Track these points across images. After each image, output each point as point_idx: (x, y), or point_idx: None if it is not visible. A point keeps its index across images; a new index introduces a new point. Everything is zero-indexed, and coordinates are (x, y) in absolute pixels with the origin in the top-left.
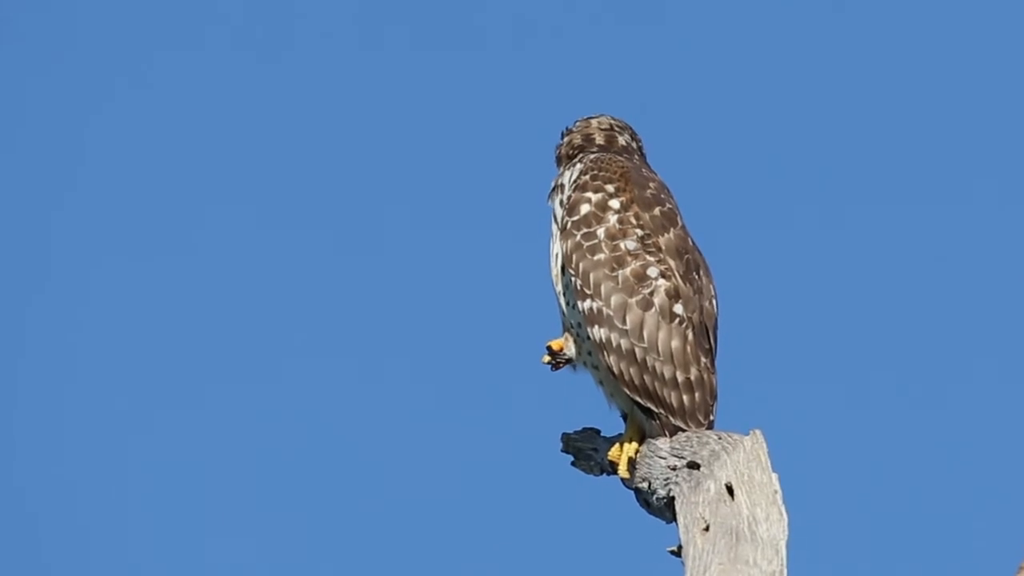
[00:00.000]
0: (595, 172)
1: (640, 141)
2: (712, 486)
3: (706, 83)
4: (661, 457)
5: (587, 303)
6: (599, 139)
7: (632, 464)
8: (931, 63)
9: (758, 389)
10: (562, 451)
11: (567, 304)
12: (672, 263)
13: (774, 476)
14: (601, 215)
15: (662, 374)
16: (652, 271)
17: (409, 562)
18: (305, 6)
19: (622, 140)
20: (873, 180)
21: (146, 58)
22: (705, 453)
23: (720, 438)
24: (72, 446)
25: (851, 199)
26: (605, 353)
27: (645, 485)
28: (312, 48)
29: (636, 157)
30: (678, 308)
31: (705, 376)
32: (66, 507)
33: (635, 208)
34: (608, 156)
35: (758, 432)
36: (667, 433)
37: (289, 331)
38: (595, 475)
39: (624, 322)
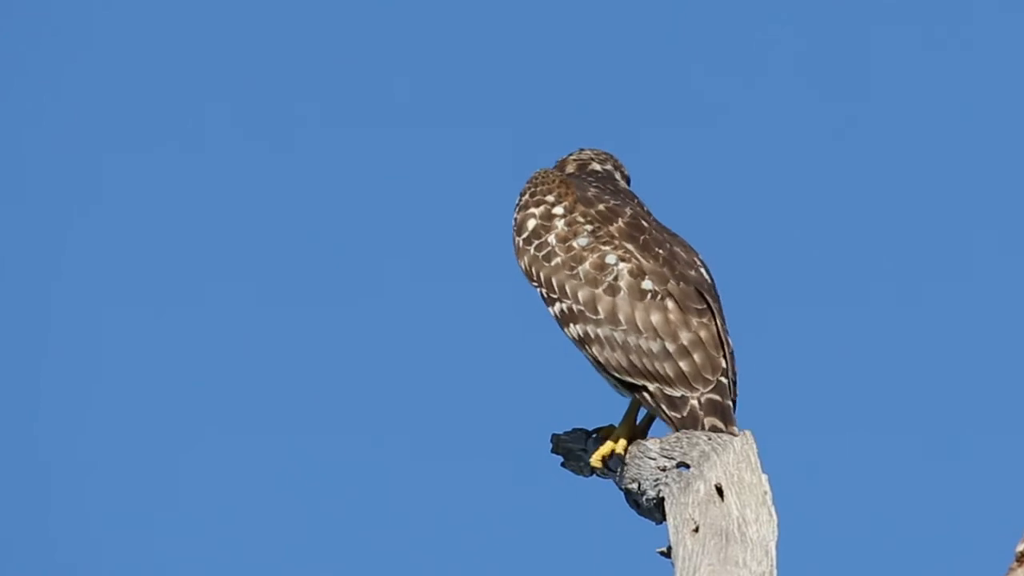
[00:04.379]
0: (533, 189)
1: (624, 170)
2: (702, 487)
3: (697, 79)
4: (651, 458)
5: (556, 306)
6: (570, 168)
7: (621, 463)
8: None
9: (749, 390)
10: (552, 452)
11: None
12: (628, 246)
13: (764, 477)
14: (548, 224)
15: (650, 349)
16: (610, 258)
17: (402, 563)
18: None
19: (597, 167)
20: (866, 179)
21: (145, 135)
22: (695, 454)
23: (710, 439)
24: (73, 449)
25: (847, 197)
26: (587, 347)
27: (635, 486)
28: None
29: (611, 183)
30: (647, 284)
31: (703, 334)
32: (69, 508)
33: (579, 207)
34: (544, 171)
35: (748, 433)
36: (669, 409)
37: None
38: (585, 476)
39: (597, 312)
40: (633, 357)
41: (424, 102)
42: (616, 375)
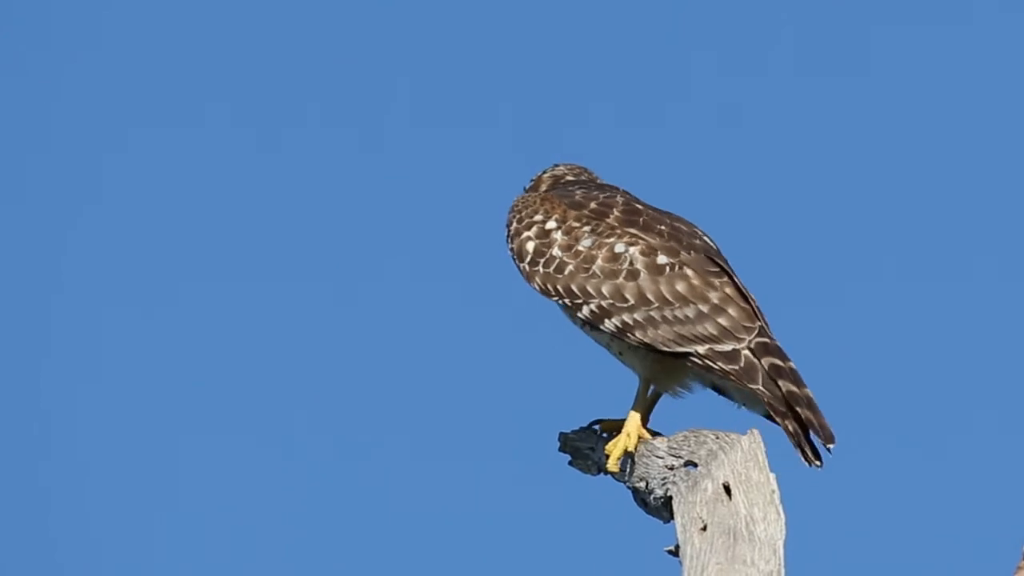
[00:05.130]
0: (519, 215)
1: (600, 181)
2: (710, 486)
3: (697, 77)
4: (659, 457)
5: (584, 309)
6: (544, 187)
7: (630, 461)
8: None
9: None
10: (560, 450)
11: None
12: (631, 230)
13: (772, 476)
14: (547, 240)
15: (686, 316)
16: (619, 247)
17: (408, 563)
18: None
19: (571, 177)
20: (866, 178)
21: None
22: (703, 453)
23: (718, 437)
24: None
25: (846, 197)
26: (629, 335)
27: (642, 485)
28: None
29: (593, 183)
30: (662, 259)
31: (728, 291)
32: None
33: (571, 213)
34: (522, 196)
35: (756, 432)
36: (726, 364)
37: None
38: (592, 475)
39: (626, 300)
40: (676, 328)
41: (424, 102)
42: (666, 349)
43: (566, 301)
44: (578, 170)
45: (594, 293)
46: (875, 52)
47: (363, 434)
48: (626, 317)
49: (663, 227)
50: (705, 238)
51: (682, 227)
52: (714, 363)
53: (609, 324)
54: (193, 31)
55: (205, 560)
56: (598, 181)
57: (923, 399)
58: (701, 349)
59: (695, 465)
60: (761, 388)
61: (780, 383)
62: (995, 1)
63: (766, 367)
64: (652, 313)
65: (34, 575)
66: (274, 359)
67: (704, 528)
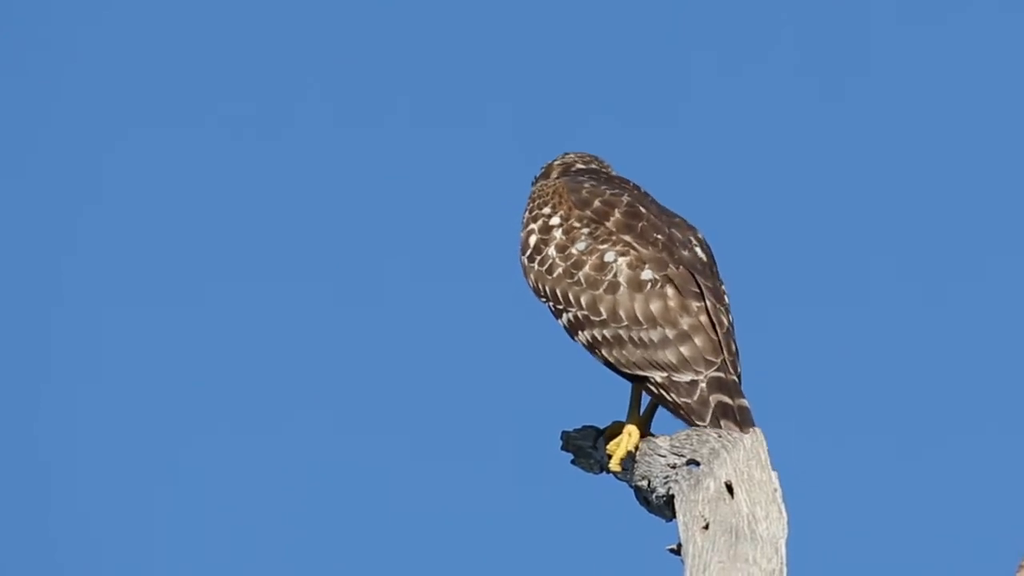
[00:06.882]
0: (531, 205)
1: (611, 171)
2: (712, 484)
3: (697, 76)
4: (661, 455)
5: (564, 317)
6: (555, 174)
7: (631, 460)
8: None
9: (757, 388)
10: (562, 449)
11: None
12: (626, 237)
13: (774, 474)
14: (547, 236)
15: (651, 340)
16: (609, 256)
17: (408, 563)
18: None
19: (581, 167)
20: (866, 177)
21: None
22: (705, 451)
23: (720, 436)
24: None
25: (847, 197)
26: (597, 351)
27: (645, 483)
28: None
29: (604, 174)
30: (646, 274)
31: (703, 318)
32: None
33: (575, 212)
34: (540, 184)
35: (758, 430)
36: (679, 396)
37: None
38: (595, 473)
39: (600, 313)
40: (640, 351)
41: (425, 102)
42: (627, 371)
43: (551, 305)
44: (588, 158)
45: (573, 301)
46: (875, 52)
47: (363, 434)
48: (596, 332)
49: (660, 235)
50: (696, 248)
51: (677, 234)
52: (668, 393)
53: (582, 336)
54: (192, 31)
55: (206, 560)
56: (610, 172)
57: (924, 399)
58: (659, 377)
59: (697, 463)
60: (707, 426)
61: (723, 423)
62: (995, 1)
63: (713, 404)
64: (620, 331)
65: (34, 575)
66: (274, 359)
67: (706, 527)
